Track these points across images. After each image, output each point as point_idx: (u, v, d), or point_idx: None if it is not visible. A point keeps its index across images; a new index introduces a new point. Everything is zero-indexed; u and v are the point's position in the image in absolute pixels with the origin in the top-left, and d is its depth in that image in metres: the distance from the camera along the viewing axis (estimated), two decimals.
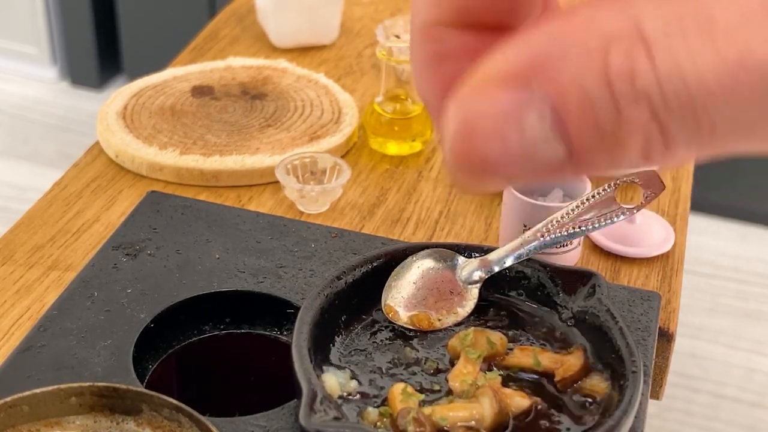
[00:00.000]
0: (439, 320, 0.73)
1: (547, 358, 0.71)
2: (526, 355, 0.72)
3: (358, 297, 0.75)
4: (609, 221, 0.70)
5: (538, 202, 0.88)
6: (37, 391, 0.65)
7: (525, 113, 0.24)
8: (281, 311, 0.79)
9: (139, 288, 0.79)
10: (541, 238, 0.70)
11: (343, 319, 0.74)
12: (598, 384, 0.69)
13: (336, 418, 0.62)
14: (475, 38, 0.29)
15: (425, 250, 0.75)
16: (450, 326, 0.73)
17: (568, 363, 0.70)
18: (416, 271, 0.75)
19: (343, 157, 1.08)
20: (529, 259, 0.78)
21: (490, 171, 0.25)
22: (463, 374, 0.69)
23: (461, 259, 0.75)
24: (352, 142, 1.10)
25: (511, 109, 0.24)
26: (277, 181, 1.00)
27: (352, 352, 0.72)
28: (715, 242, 2.14)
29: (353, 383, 0.69)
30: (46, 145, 2.38)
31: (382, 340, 0.73)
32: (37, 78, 2.59)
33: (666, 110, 0.23)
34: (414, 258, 0.75)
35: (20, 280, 0.89)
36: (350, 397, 0.68)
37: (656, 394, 0.90)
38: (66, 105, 2.52)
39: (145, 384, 0.73)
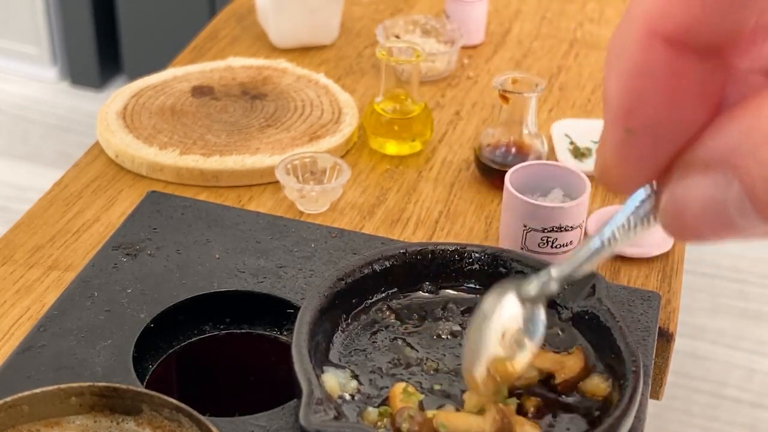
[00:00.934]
0: (513, 360, 0.56)
1: (547, 360, 0.71)
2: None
3: (358, 297, 0.75)
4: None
5: (538, 202, 0.88)
6: (37, 391, 0.65)
7: (725, 194, 0.28)
8: (281, 311, 0.79)
9: (139, 288, 0.79)
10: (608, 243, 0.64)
11: (342, 319, 0.74)
12: (598, 385, 0.69)
13: (336, 418, 0.62)
14: (686, 62, 0.30)
15: (490, 294, 0.57)
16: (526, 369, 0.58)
17: (569, 365, 0.70)
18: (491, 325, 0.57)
19: (343, 157, 1.08)
20: (528, 260, 0.78)
21: (698, 238, 0.30)
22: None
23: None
24: (352, 142, 1.10)
25: (713, 193, 0.29)
26: (277, 181, 1.00)
27: (352, 352, 0.72)
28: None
29: (353, 383, 0.69)
30: (46, 145, 2.38)
31: (382, 340, 0.73)
32: (37, 78, 2.59)
33: None
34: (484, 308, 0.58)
35: (20, 280, 0.89)
36: (350, 397, 0.68)
37: (656, 394, 0.90)
38: (66, 105, 2.52)
39: (145, 384, 0.73)
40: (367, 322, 0.75)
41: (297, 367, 0.65)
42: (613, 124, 0.31)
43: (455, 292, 0.78)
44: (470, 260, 0.78)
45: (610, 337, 0.70)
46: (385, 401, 0.67)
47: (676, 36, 0.29)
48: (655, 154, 0.31)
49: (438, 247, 0.78)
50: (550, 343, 0.73)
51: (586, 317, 0.73)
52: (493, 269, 0.78)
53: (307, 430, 0.61)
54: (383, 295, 0.76)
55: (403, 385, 0.68)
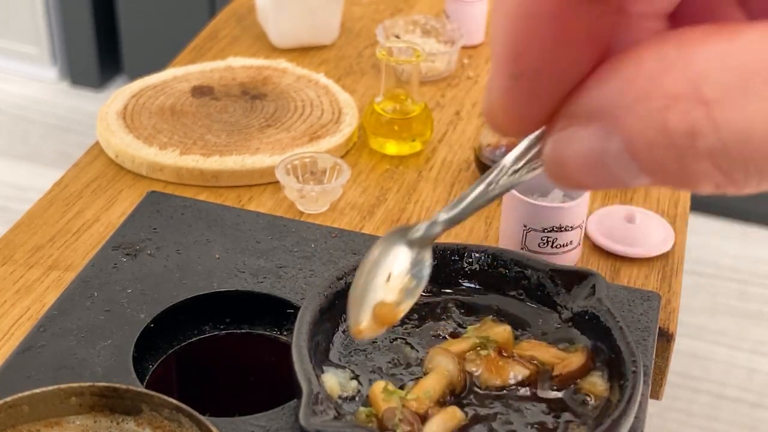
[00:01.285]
0: (398, 305, 0.62)
1: (549, 354, 0.71)
2: (533, 347, 0.72)
3: None
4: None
5: (537, 202, 0.88)
6: (37, 391, 0.65)
7: (605, 147, 0.28)
8: (281, 311, 0.79)
9: (139, 288, 0.79)
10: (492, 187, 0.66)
11: (342, 319, 0.74)
12: (596, 384, 0.69)
13: (336, 418, 0.62)
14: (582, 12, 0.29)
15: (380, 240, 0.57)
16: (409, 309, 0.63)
17: (569, 360, 0.71)
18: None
19: (343, 157, 1.08)
20: (528, 260, 0.78)
21: (580, 187, 0.30)
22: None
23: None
24: (352, 142, 1.10)
25: (593, 145, 0.29)
26: (277, 181, 1.00)
27: (352, 352, 0.72)
28: (715, 242, 2.14)
29: (353, 383, 0.69)
30: (46, 145, 2.38)
31: (382, 340, 0.73)
32: (37, 78, 2.59)
33: (730, 164, 0.26)
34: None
35: (20, 280, 0.89)
36: (350, 397, 0.68)
37: (656, 394, 0.90)
38: (66, 105, 2.52)
39: (145, 384, 0.73)
40: None
41: (297, 367, 0.65)
42: (498, 69, 0.30)
43: (455, 292, 0.78)
44: (470, 260, 0.78)
45: (610, 337, 0.70)
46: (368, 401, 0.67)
47: None
48: (541, 99, 0.30)
49: (438, 247, 0.78)
50: (554, 341, 0.73)
51: (586, 317, 0.73)
52: (492, 269, 0.78)
53: (307, 430, 0.61)
54: None
55: (383, 383, 0.68)
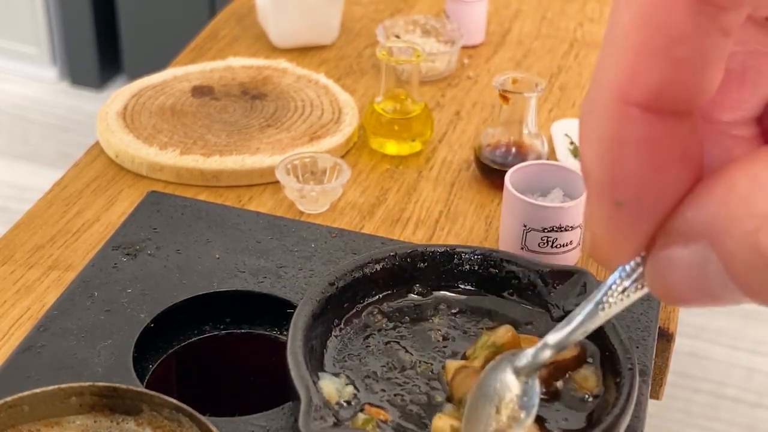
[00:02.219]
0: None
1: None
2: (529, 342, 0.72)
3: (350, 301, 0.75)
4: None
5: (538, 202, 0.89)
6: (38, 391, 0.65)
7: (705, 268, 0.29)
8: (281, 311, 0.79)
9: (139, 288, 0.79)
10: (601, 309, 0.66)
11: (335, 324, 0.74)
12: (588, 377, 0.69)
13: (335, 425, 0.62)
14: (656, 125, 0.29)
15: (487, 368, 0.56)
16: None
17: (562, 352, 0.71)
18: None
19: (343, 157, 1.08)
20: (519, 259, 0.78)
21: (687, 304, 0.31)
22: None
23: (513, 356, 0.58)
24: (352, 142, 1.10)
25: (693, 265, 0.29)
26: (277, 181, 1.00)
27: (346, 357, 0.72)
28: None
29: (349, 389, 0.69)
30: (46, 145, 2.38)
31: (375, 344, 0.73)
32: (37, 78, 2.59)
33: None
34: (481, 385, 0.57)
35: (20, 280, 0.89)
36: (347, 402, 0.68)
37: (656, 394, 0.90)
38: (66, 105, 2.52)
39: (145, 384, 0.73)
40: (359, 326, 0.74)
41: (294, 374, 0.65)
42: (599, 199, 0.30)
43: (446, 294, 0.78)
44: (460, 261, 0.78)
45: (604, 335, 0.71)
46: (363, 409, 0.67)
47: (648, 101, 0.28)
48: (644, 224, 0.31)
49: (428, 249, 0.78)
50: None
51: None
52: (484, 269, 0.78)
53: None
54: (375, 298, 0.76)
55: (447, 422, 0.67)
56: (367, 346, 0.73)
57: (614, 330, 0.70)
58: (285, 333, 0.79)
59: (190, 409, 0.64)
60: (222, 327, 0.80)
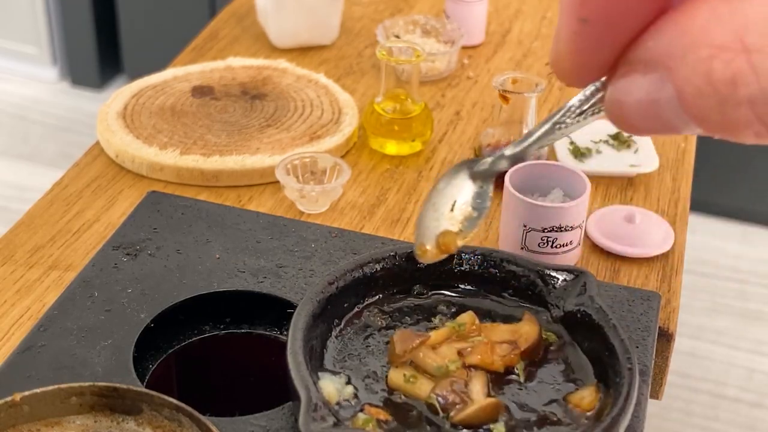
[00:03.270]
0: (460, 234, 0.58)
1: (505, 332, 0.71)
2: (488, 329, 0.73)
3: (350, 301, 0.75)
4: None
5: (538, 202, 0.89)
6: (38, 391, 0.65)
7: (659, 94, 0.30)
8: (281, 311, 0.79)
9: (139, 288, 0.79)
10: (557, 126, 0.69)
11: (335, 324, 0.74)
12: (585, 398, 0.69)
13: (335, 425, 0.62)
14: None
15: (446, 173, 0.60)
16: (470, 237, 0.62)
17: (525, 330, 0.71)
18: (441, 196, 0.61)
19: (343, 157, 1.08)
20: (519, 259, 0.78)
21: (638, 131, 0.33)
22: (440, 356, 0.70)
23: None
24: (352, 142, 1.10)
25: (649, 92, 0.31)
26: (277, 181, 1.00)
27: (346, 357, 0.72)
28: (715, 242, 2.14)
29: (349, 388, 0.69)
30: (46, 145, 2.38)
31: (375, 344, 0.73)
32: (37, 78, 2.59)
33: None
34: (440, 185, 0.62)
35: (20, 280, 0.89)
36: (347, 402, 0.68)
37: (656, 394, 0.90)
38: (66, 105, 2.52)
39: (145, 384, 0.73)
40: (359, 326, 0.74)
41: (294, 374, 0.65)
42: (567, 14, 0.32)
43: (446, 294, 0.78)
44: (460, 261, 0.78)
45: (603, 335, 0.71)
46: (363, 409, 0.67)
47: None
48: (606, 46, 0.32)
49: None
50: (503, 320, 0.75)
51: (578, 315, 0.73)
52: (483, 269, 0.78)
53: None
54: (375, 298, 0.76)
55: (399, 373, 0.69)
56: (367, 346, 0.73)
57: (615, 330, 0.70)
58: (285, 333, 0.79)
59: (190, 409, 0.64)
60: (222, 327, 0.80)
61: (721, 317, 1.97)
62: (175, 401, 0.64)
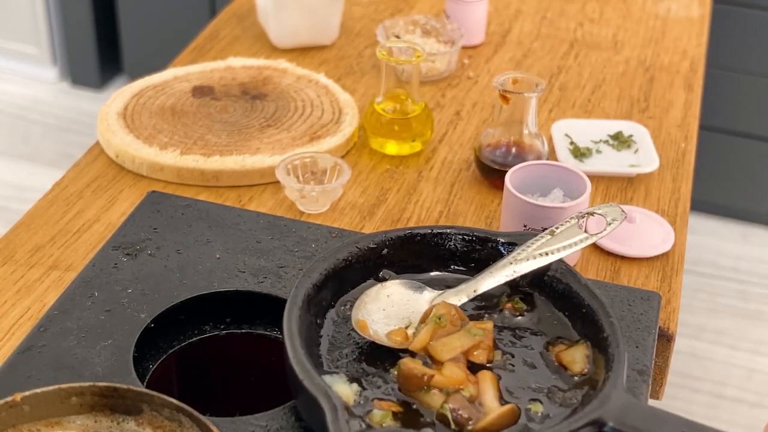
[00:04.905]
0: (414, 334, 0.73)
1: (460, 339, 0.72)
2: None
3: (325, 300, 0.75)
4: (575, 247, 0.76)
5: (537, 202, 0.89)
6: (38, 391, 0.65)
7: None
8: (281, 311, 0.79)
9: (139, 288, 0.79)
10: (512, 267, 0.75)
11: (317, 323, 0.74)
12: (576, 359, 0.71)
13: (369, 427, 0.63)
14: None
15: (395, 281, 0.77)
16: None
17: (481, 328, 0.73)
18: (385, 299, 0.75)
19: (343, 157, 1.08)
20: (465, 229, 0.79)
21: None
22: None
23: (428, 292, 0.76)
24: (352, 142, 1.10)
25: None
26: (278, 181, 1.00)
27: (338, 356, 0.72)
28: (715, 242, 2.14)
29: (355, 386, 0.69)
30: (46, 145, 2.38)
31: (359, 337, 0.73)
32: (37, 78, 2.59)
33: None
34: (382, 287, 0.76)
35: (21, 280, 0.89)
36: (356, 400, 0.68)
37: (656, 394, 0.90)
38: (66, 105, 2.52)
39: (145, 384, 0.73)
40: (338, 321, 0.74)
41: (307, 383, 0.64)
42: None
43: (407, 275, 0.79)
44: (416, 240, 0.79)
45: (574, 294, 0.74)
46: (369, 412, 0.67)
47: None
48: None
49: (388, 236, 0.78)
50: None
51: (545, 278, 0.76)
52: (438, 247, 0.79)
53: None
54: (346, 293, 0.77)
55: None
56: (353, 341, 0.73)
57: (586, 289, 0.73)
58: None
59: (190, 409, 0.64)
60: (222, 327, 0.80)
61: (721, 317, 1.97)
62: (175, 401, 0.64)
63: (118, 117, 1.10)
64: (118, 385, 0.66)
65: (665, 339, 0.86)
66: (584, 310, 0.73)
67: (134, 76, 2.34)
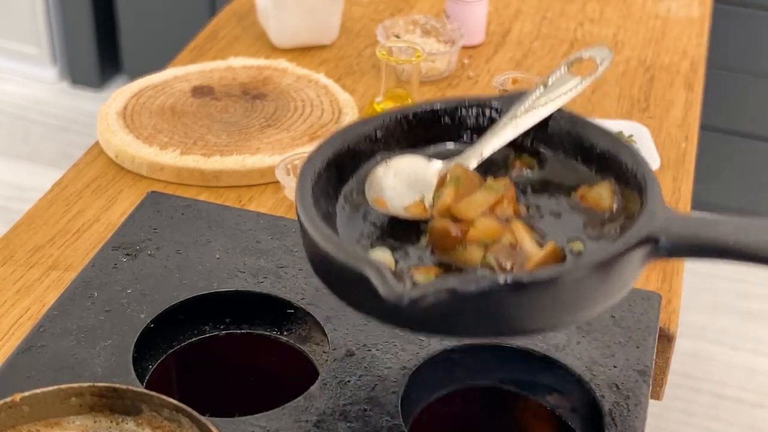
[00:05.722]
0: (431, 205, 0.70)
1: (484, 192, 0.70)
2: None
3: (337, 180, 0.72)
4: (572, 93, 0.73)
5: None
6: (38, 391, 0.65)
7: None
8: (281, 311, 0.79)
9: (139, 288, 0.79)
10: (514, 123, 0.72)
11: (339, 192, 0.71)
12: (603, 195, 0.69)
13: (415, 284, 0.59)
14: None
15: (399, 157, 0.73)
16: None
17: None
18: (392, 177, 0.72)
19: None
20: (468, 98, 0.76)
21: None
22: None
23: (435, 164, 0.73)
24: None
25: None
26: (277, 181, 1.00)
27: (359, 238, 0.69)
28: None
29: (389, 256, 0.66)
30: (46, 145, 2.38)
31: (378, 215, 0.70)
32: (37, 78, 2.59)
33: None
34: (388, 166, 0.72)
35: (20, 280, 0.89)
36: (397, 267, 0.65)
37: (657, 394, 0.90)
38: (66, 105, 2.52)
39: (145, 384, 0.73)
40: (346, 208, 0.71)
41: (342, 257, 0.61)
42: None
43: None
44: (414, 123, 0.76)
45: (584, 137, 0.72)
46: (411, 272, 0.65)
47: None
48: None
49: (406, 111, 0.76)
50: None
51: (548, 131, 0.73)
52: (436, 122, 0.77)
53: (402, 306, 0.57)
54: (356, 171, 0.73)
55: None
56: (372, 224, 0.70)
57: (595, 127, 0.71)
58: (285, 333, 0.79)
59: (190, 410, 0.64)
60: (222, 327, 0.80)
61: (721, 317, 1.97)
62: (174, 402, 0.64)
63: (118, 117, 1.10)
64: (117, 385, 0.66)
65: (666, 339, 0.86)
66: (598, 150, 0.71)
67: (134, 75, 2.34)
